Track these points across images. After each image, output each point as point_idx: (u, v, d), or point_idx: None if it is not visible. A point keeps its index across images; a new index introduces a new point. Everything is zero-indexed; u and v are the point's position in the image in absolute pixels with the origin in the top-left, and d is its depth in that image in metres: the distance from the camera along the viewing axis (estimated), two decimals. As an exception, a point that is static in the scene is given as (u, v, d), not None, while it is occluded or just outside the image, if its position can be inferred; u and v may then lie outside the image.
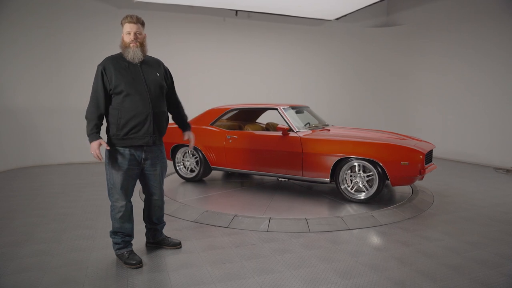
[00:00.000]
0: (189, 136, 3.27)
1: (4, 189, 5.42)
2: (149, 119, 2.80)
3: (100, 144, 2.73)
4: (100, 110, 2.74)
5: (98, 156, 2.73)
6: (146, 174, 2.93)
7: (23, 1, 6.90)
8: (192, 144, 3.28)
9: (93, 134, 2.73)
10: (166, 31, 8.01)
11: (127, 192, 2.84)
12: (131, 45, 2.76)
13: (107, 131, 2.82)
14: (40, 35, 7.11)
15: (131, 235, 2.95)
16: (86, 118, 2.76)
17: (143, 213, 3.14)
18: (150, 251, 3.14)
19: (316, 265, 2.85)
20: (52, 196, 4.98)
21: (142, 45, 2.81)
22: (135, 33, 2.77)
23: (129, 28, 2.77)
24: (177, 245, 3.20)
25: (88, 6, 7.44)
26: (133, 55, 2.77)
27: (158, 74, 2.92)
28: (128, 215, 2.87)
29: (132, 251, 2.89)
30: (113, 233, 2.91)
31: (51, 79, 7.29)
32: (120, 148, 2.77)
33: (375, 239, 3.44)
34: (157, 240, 3.19)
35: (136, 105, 2.73)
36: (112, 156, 2.77)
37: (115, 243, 2.91)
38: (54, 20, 7.21)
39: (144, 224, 3.19)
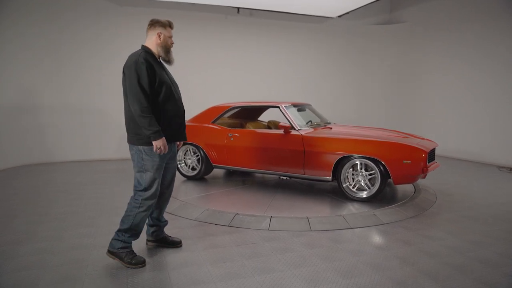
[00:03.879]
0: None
1: (6, 187, 5.42)
2: (182, 116, 2.98)
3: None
4: (151, 106, 2.71)
5: (166, 149, 2.76)
6: (167, 168, 2.99)
7: (24, 0, 6.88)
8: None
9: (160, 129, 2.70)
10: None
11: (159, 189, 2.89)
12: (171, 48, 2.93)
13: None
14: (41, 33, 7.09)
15: (139, 235, 2.93)
16: (142, 114, 2.63)
17: (152, 211, 3.08)
18: (151, 249, 3.12)
19: (317, 264, 2.83)
20: (54, 194, 4.97)
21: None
22: (172, 39, 2.95)
23: (171, 33, 2.93)
24: (177, 244, 3.19)
25: (89, 4, 7.42)
26: (173, 58, 2.95)
27: (171, 75, 3.06)
28: (148, 214, 2.89)
29: (132, 251, 2.87)
30: (127, 230, 2.81)
31: (51, 77, 7.28)
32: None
33: (377, 238, 3.42)
34: (158, 238, 3.17)
35: (174, 103, 2.87)
36: (152, 153, 2.76)
37: (121, 241, 2.82)
38: (55, 19, 7.19)
39: (147, 223, 3.16)
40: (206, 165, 5.44)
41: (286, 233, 3.51)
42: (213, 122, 5.44)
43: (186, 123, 5.61)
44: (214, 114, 5.49)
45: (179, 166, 5.65)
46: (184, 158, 5.67)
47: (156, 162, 2.79)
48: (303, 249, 3.13)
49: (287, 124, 4.78)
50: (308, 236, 3.42)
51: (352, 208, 4.16)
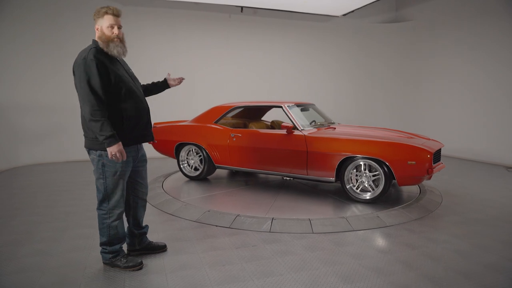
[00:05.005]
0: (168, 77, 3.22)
1: (7, 186, 5.43)
2: (146, 114, 2.77)
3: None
4: (105, 108, 2.47)
5: (124, 156, 2.53)
6: (136, 171, 2.82)
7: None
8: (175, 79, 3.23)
9: (115, 134, 2.47)
10: (170, 28, 7.96)
11: (124, 196, 2.74)
12: (115, 40, 2.58)
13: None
14: (41, 33, 7.06)
15: (125, 237, 2.86)
16: (93, 118, 2.41)
17: (128, 220, 2.94)
18: (146, 253, 3.02)
19: (318, 268, 2.77)
20: (55, 194, 4.97)
21: (122, 42, 2.65)
22: (118, 27, 2.61)
23: (113, 20, 2.58)
24: (163, 248, 3.07)
25: (91, 3, 7.38)
26: (120, 50, 2.61)
27: (131, 69, 2.84)
28: (122, 220, 2.77)
29: (127, 254, 2.82)
30: (108, 243, 2.70)
31: (53, 76, 7.26)
32: (125, 149, 2.58)
33: (380, 241, 3.35)
34: (143, 246, 3.00)
35: (136, 101, 2.66)
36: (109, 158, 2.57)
37: (108, 252, 2.72)
38: (57, 17, 7.16)
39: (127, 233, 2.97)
40: (209, 165, 5.40)
41: (288, 235, 3.45)
42: (216, 122, 5.39)
43: (189, 123, 5.64)
44: (216, 114, 5.44)
45: (181, 166, 5.62)
46: (186, 158, 5.63)
47: (118, 168, 2.59)
48: (304, 252, 3.07)
49: (290, 124, 4.72)
50: (309, 239, 3.36)
51: (355, 210, 4.09)
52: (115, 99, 2.55)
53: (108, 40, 2.57)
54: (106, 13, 2.57)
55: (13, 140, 6.97)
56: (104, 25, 2.57)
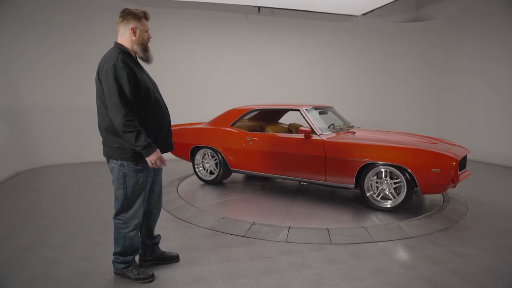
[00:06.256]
0: None
1: (25, 188, 5.46)
2: (168, 124, 2.69)
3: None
4: (136, 117, 2.38)
5: (164, 162, 2.49)
6: (153, 181, 2.74)
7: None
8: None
9: (151, 142, 2.39)
10: (187, 29, 7.91)
11: (144, 207, 2.65)
12: (148, 45, 2.57)
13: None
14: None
15: (139, 249, 2.78)
16: (127, 129, 2.30)
17: (140, 230, 2.80)
18: (158, 264, 2.94)
19: (337, 284, 2.63)
20: (69, 196, 4.97)
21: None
22: (149, 33, 2.59)
23: (148, 26, 2.54)
24: (175, 259, 2.97)
25: (107, 5, 7.37)
26: (152, 56, 2.60)
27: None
28: (138, 231, 2.68)
29: (138, 266, 2.74)
30: (122, 253, 2.62)
31: (69, 77, 7.27)
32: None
33: (402, 254, 3.18)
34: (155, 256, 2.90)
35: (159, 111, 2.58)
36: (136, 168, 2.49)
37: (121, 262, 2.64)
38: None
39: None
40: (224, 169, 5.30)
41: (304, 246, 3.32)
42: (232, 125, 5.29)
43: (204, 126, 5.55)
44: (232, 117, 5.34)
45: (197, 170, 5.54)
46: (202, 161, 5.55)
47: (140, 178, 2.51)
48: (322, 265, 2.93)
49: (308, 128, 4.57)
50: (327, 250, 3.22)
51: (375, 219, 3.92)
52: (141, 107, 2.46)
53: (146, 45, 2.52)
54: (145, 17, 2.52)
55: (33, 141, 7.03)
56: (142, 29, 2.50)
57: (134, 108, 2.37)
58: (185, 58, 7.90)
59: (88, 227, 3.79)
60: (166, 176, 5.87)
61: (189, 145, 5.51)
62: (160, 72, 7.77)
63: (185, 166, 6.78)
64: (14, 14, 6.73)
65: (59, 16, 7.12)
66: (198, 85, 8.14)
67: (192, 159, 5.58)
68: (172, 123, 5.91)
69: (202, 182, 5.54)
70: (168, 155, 5.85)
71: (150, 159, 2.40)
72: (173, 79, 7.80)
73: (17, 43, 6.76)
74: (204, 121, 5.81)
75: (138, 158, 2.47)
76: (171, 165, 6.97)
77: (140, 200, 2.57)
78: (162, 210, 4.20)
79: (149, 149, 2.37)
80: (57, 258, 3.04)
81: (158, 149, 2.43)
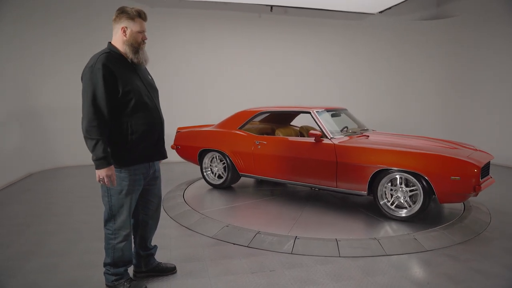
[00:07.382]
0: None
1: (32, 191, 5.43)
2: (159, 129, 2.50)
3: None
4: (105, 124, 2.24)
5: (113, 182, 2.30)
6: (147, 189, 2.58)
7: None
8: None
9: (107, 157, 2.23)
10: (199, 29, 7.77)
11: (131, 217, 2.51)
12: (142, 45, 2.42)
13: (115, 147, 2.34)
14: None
15: (132, 260, 2.62)
16: (88, 135, 2.19)
17: (134, 240, 2.68)
18: (153, 275, 2.78)
19: (342, 304, 2.41)
20: (74, 200, 4.91)
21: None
22: (144, 34, 2.44)
23: (143, 27, 2.39)
24: (171, 270, 2.82)
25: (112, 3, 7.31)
26: (147, 58, 2.45)
27: (150, 77, 2.59)
28: (130, 242, 2.53)
29: (131, 279, 2.58)
30: (113, 265, 2.48)
31: (74, 79, 7.25)
32: (131, 167, 2.38)
33: (416, 270, 2.92)
34: (150, 268, 2.76)
35: (147, 115, 2.39)
36: (119, 175, 2.35)
37: (112, 274, 2.49)
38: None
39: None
40: (233, 173, 5.13)
41: (310, 258, 3.10)
42: (240, 128, 5.12)
43: (213, 129, 5.40)
44: (241, 119, 5.17)
45: (205, 173, 5.39)
46: (210, 165, 5.40)
47: (125, 186, 2.36)
48: (327, 281, 2.72)
49: (319, 132, 4.35)
50: (335, 264, 3.00)
51: (389, 229, 3.67)
52: (122, 112, 2.30)
53: (138, 47, 2.37)
54: (139, 16, 2.37)
55: (45, 143, 7.04)
56: (135, 29, 2.35)
57: (104, 115, 2.22)
58: (196, 58, 7.78)
59: (88, 233, 3.68)
60: (174, 180, 5.80)
61: (197, 148, 5.37)
62: (169, 72, 7.71)
63: (193, 169, 6.63)
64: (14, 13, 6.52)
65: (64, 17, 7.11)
66: (209, 85, 8.00)
67: (200, 162, 5.43)
68: (181, 125, 5.96)
69: (210, 187, 5.38)
70: (176, 158, 5.82)
71: (99, 174, 2.24)
72: (182, 79, 7.70)
73: (31, 49, 6.76)
74: (214, 123, 5.66)
75: (121, 165, 2.34)
76: (181, 167, 6.88)
77: (126, 209, 2.41)
78: (165, 216, 4.12)
79: (101, 162, 2.21)
80: (54, 266, 2.94)
81: (112, 167, 2.26)
